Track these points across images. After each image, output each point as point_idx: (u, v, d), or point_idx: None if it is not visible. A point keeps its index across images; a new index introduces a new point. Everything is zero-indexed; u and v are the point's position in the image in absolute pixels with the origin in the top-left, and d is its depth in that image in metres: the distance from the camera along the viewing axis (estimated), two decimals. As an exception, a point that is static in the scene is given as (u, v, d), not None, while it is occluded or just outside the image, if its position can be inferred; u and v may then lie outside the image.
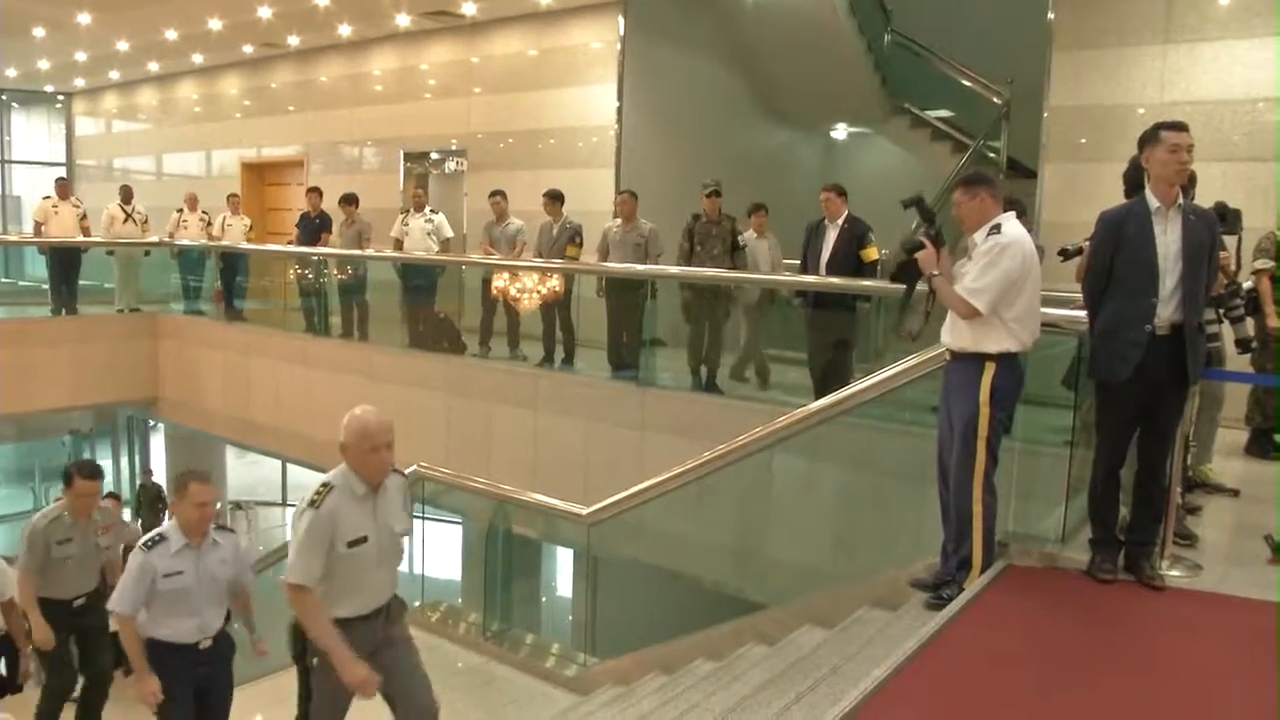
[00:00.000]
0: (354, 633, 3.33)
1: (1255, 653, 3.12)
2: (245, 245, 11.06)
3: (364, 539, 3.31)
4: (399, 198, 12.24)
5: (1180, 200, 3.59)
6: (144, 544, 3.97)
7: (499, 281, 8.45)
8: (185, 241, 11.23)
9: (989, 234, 3.54)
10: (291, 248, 10.61)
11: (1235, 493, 4.94)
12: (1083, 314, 3.76)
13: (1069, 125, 7.55)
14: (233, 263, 10.94)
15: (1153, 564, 3.68)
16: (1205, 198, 4.30)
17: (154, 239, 11.30)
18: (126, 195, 11.22)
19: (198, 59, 14.90)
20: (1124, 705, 2.78)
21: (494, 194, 8.87)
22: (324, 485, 3.31)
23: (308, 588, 3.23)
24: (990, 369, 3.53)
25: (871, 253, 6.47)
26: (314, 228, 10.15)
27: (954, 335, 3.61)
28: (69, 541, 4.85)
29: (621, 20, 10.21)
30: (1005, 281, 3.47)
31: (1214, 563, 3.88)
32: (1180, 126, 3.53)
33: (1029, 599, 3.57)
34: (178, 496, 4.03)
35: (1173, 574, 3.72)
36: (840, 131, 12.82)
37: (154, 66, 15.75)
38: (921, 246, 3.67)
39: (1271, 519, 4.14)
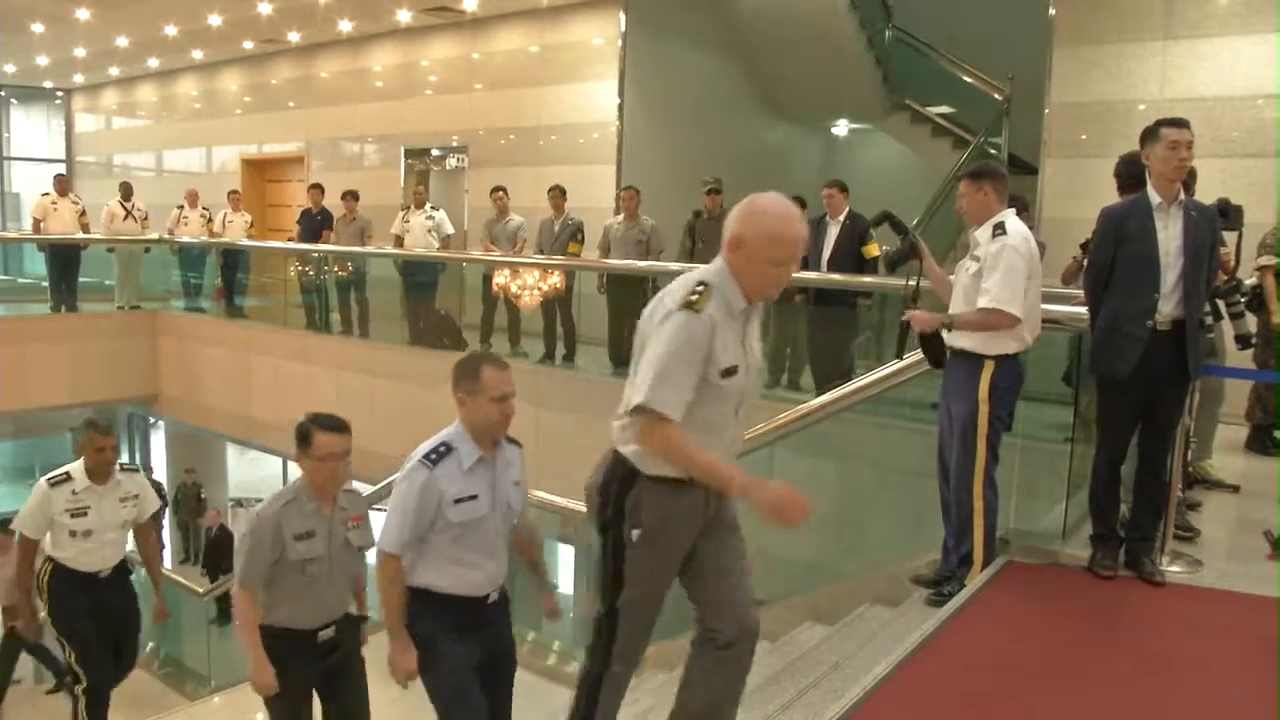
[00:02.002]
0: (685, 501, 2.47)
1: (1256, 648, 3.13)
2: (246, 242, 11.05)
3: (734, 368, 2.41)
4: (400, 194, 12.24)
5: (1181, 196, 3.59)
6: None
7: (500, 278, 8.44)
8: (186, 238, 11.22)
9: (994, 234, 3.53)
10: (292, 244, 10.61)
11: (1235, 488, 4.95)
12: (1084, 310, 3.76)
13: (1070, 121, 7.55)
14: (233, 259, 10.94)
15: (1153, 560, 3.68)
16: (1206, 194, 4.30)
17: (154, 236, 11.29)
18: (126, 192, 11.21)
19: (198, 55, 14.88)
20: (1125, 701, 2.78)
21: (495, 190, 8.87)
22: (703, 285, 2.41)
23: (669, 417, 2.30)
24: (989, 367, 3.53)
25: (873, 249, 6.46)
26: (315, 224, 10.15)
27: (956, 335, 3.59)
28: (311, 536, 3.34)
29: (623, 16, 10.19)
30: (1022, 282, 3.47)
31: (1214, 558, 3.88)
32: (1180, 123, 3.53)
33: (1030, 595, 3.57)
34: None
35: (1173, 570, 3.73)
36: (841, 127, 12.81)
37: (154, 63, 15.74)
38: (905, 258, 3.67)
39: (1272, 515, 4.15)
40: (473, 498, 2.89)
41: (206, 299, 11.29)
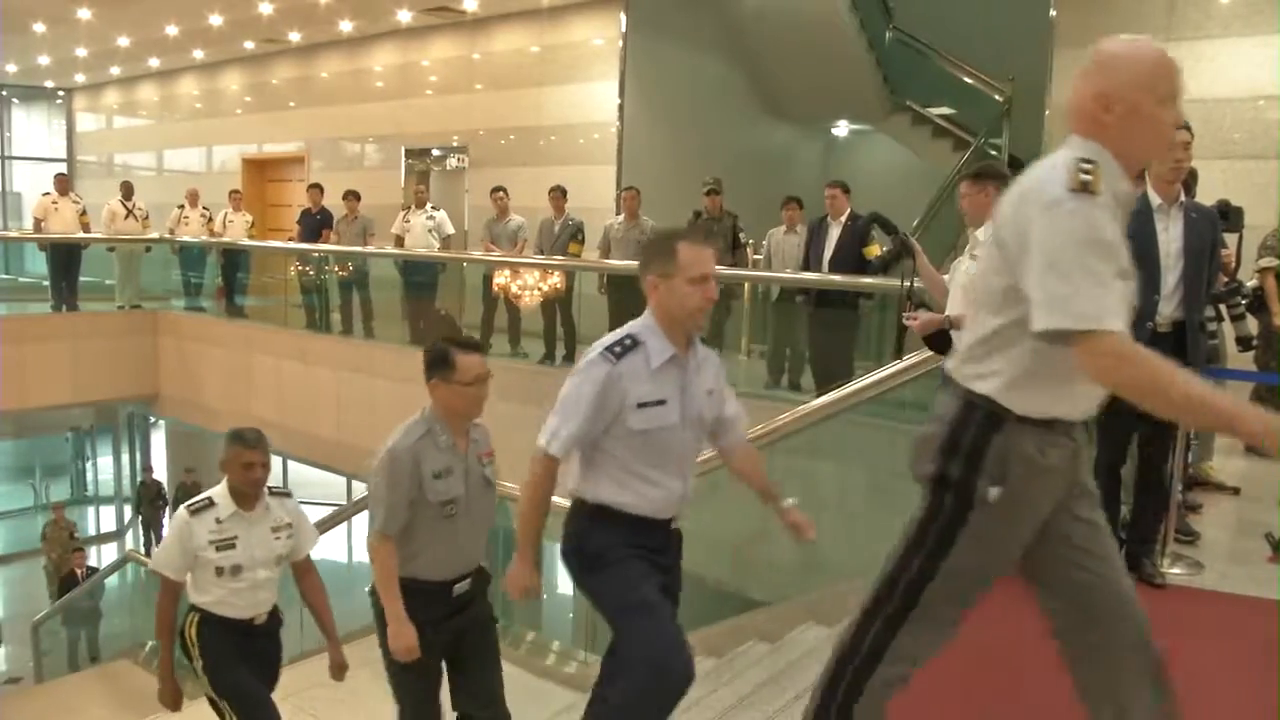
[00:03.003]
0: None
1: (1256, 651, 3.12)
2: (246, 242, 11.06)
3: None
4: (400, 194, 12.24)
5: (1182, 198, 3.59)
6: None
7: (500, 278, 8.44)
8: (186, 238, 11.23)
9: None
10: (293, 244, 10.61)
11: (1236, 491, 4.95)
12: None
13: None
14: (234, 259, 10.94)
15: (1154, 562, 3.68)
16: (1207, 195, 4.30)
17: (155, 235, 11.30)
18: (127, 191, 11.22)
19: (199, 55, 14.89)
20: (1124, 703, 2.77)
21: (495, 190, 8.87)
22: (1090, 163, 1.81)
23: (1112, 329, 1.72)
24: None
25: (874, 250, 6.45)
26: (315, 224, 10.15)
27: (957, 337, 3.58)
28: (449, 474, 2.97)
29: (623, 17, 10.20)
30: None
31: (1215, 561, 3.88)
32: (1177, 124, 3.52)
33: (1028, 598, 3.56)
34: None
35: (1173, 572, 3.73)
36: (841, 128, 12.81)
37: (155, 62, 15.74)
38: (897, 258, 3.66)
39: (1272, 517, 4.15)
40: (660, 403, 2.49)
41: (207, 298, 11.29)
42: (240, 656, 3.53)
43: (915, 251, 3.72)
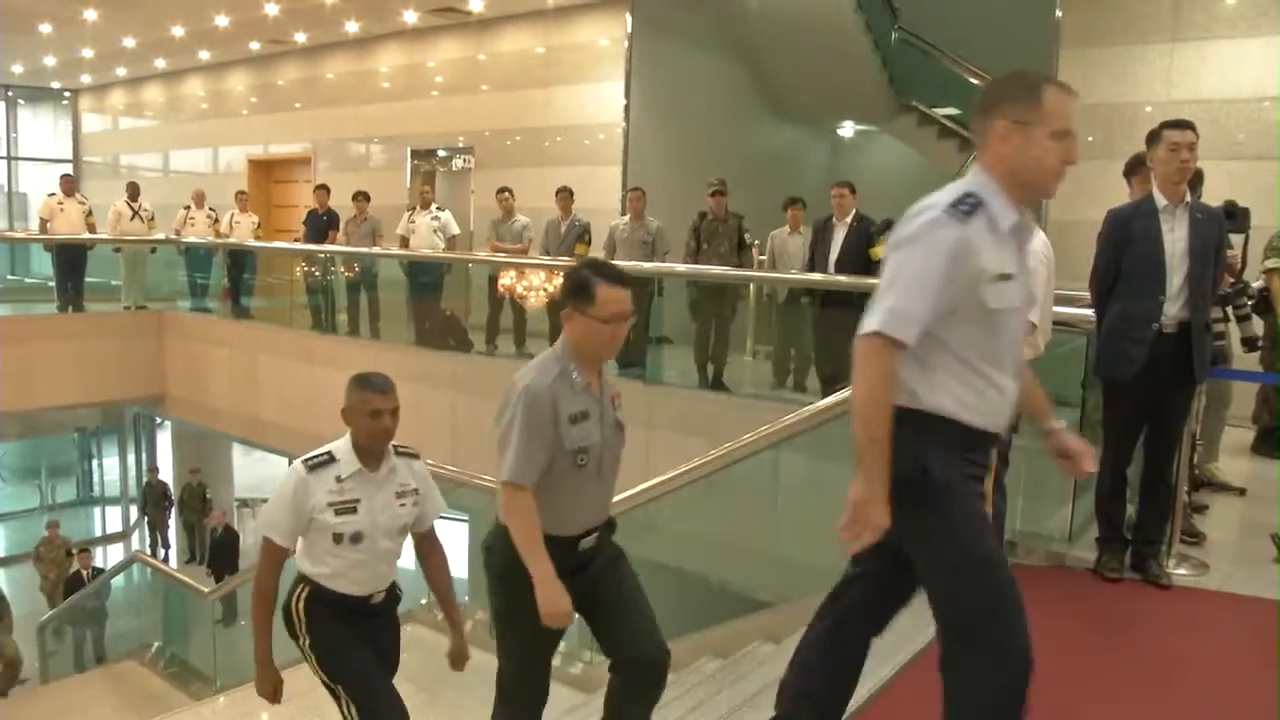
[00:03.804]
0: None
1: (1261, 651, 3.12)
2: (252, 242, 11.08)
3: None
4: (405, 195, 12.26)
5: (1187, 198, 3.59)
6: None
7: (506, 279, 8.46)
8: (192, 239, 11.25)
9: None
10: (299, 245, 10.63)
11: (1242, 491, 4.94)
12: (1091, 312, 3.76)
13: (1076, 123, 7.53)
14: (240, 260, 10.96)
15: (1159, 562, 3.68)
16: (1213, 196, 4.30)
17: (160, 236, 11.32)
18: (133, 192, 11.24)
19: (204, 56, 14.93)
20: (1130, 704, 2.78)
21: (501, 191, 8.88)
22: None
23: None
24: None
25: (879, 250, 6.45)
26: (321, 225, 10.17)
27: None
28: (585, 419, 2.63)
29: (629, 18, 10.20)
30: (1042, 288, 3.45)
31: (1220, 561, 3.87)
32: (1183, 125, 3.53)
33: (1035, 598, 3.53)
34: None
35: (1179, 572, 3.73)
36: (847, 129, 12.80)
37: (161, 63, 15.79)
38: None
39: (1277, 518, 4.14)
40: (1008, 278, 2.03)
41: (213, 299, 11.31)
42: (354, 639, 3.05)
43: None
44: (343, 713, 3.04)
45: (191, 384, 10.91)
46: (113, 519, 15.88)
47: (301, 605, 3.04)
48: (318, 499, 2.94)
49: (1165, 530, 3.74)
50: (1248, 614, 3.43)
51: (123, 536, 15.25)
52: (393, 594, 3.17)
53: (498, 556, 2.60)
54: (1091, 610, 3.45)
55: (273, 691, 3.13)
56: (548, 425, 2.52)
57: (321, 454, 3.01)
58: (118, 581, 10.33)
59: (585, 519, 2.67)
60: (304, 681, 5.47)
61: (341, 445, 3.04)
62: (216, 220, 11.43)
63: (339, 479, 2.98)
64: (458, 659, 3.32)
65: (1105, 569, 3.67)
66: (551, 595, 2.46)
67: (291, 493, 2.95)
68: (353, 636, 3.04)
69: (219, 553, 11.26)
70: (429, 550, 3.26)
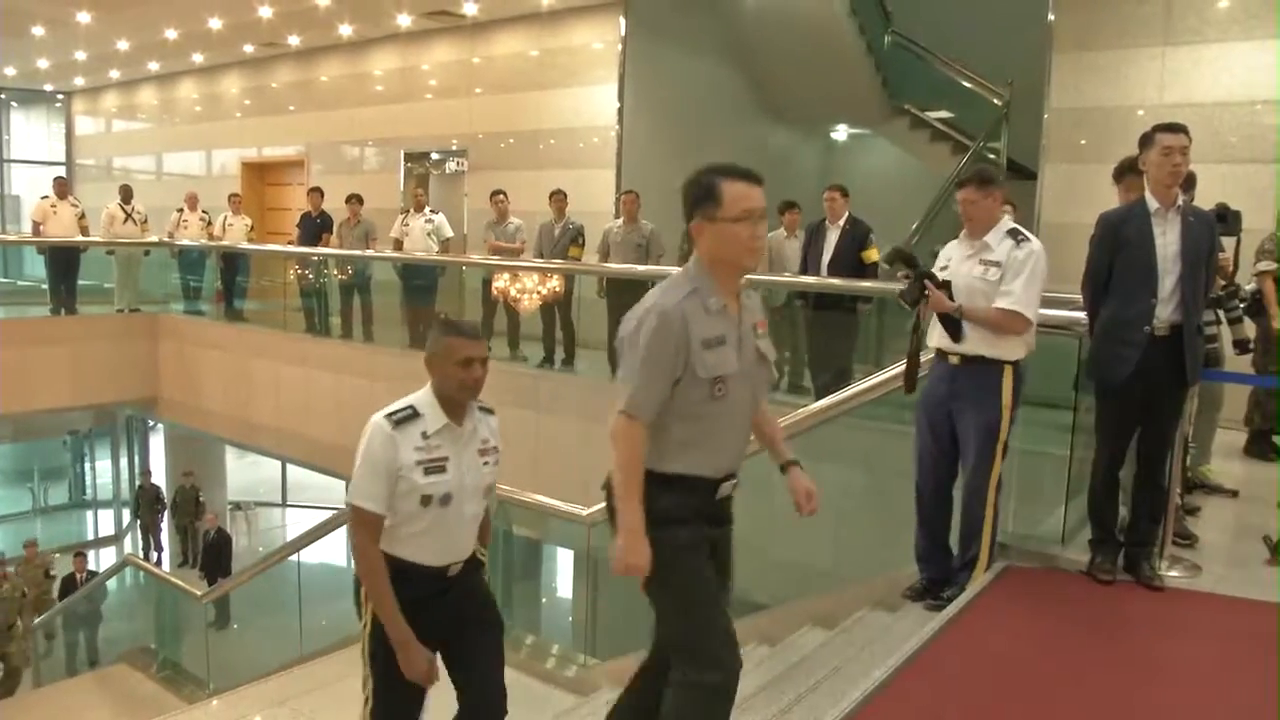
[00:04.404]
0: None
1: (1254, 653, 3.13)
2: (246, 245, 11.07)
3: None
4: (399, 198, 12.25)
5: (1179, 202, 3.60)
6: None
7: (499, 282, 8.45)
8: (185, 241, 11.24)
9: (1019, 242, 3.53)
10: (292, 248, 10.62)
11: (1234, 494, 4.95)
12: (1083, 315, 3.77)
13: (1069, 127, 7.56)
14: (233, 263, 10.95)
15: (1152, 565, 3.69)
16: (1205, 199, 4.31)
17: (154, 239, 11.30)
18: (126, 195, 11.23)
19: (198, 58, 14.91)
20: (1123, 706, 2.78)
21: (496, 193, 8.88)
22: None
23: None
24: (1009, 374, 3.53)
25: (873, 254, 6.47)
26: (315, 228, 10.17)
27: (970, 342, 3.55)
28: (721, 344, 2.35)
29: (623, 21, 10.22)
30: (1040, 289, 3.49)
31: (1213, 563, 3.88)
32: (1175, 129, 3.54)
33: (1029, 600, 3.57)
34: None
35: (1172, 575, 3.73)
36: (840, 132, 12.83)
37: (154, 66, 15.76)
38: (922, 296, 3.59)
39: (1270, 520, 4.15)
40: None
41: (206, 302, 11.29)
42: (424, 621, 2.71)
43: (939, 283, 3.62)
44: (364, 699, 2.83)
45: (184, 387, 10.89)
46: (105, 522, 15.84)
47: None
48: (405, 457, 2.66)
49: (1158, 532, 3.75)
50: (1240, 616, 3.44)
51: (115, 540, 15.22)
52: (474, 561, 2.88)
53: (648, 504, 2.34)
54: (1084, 612, 3.46)
55: (427, 670, 2.69)
56: (677, 350, 2.27)
57: (404, 408, 2.72)
58: (110, 585, 10.30)
59: (724, 460, 2.42)
60: (295, 685, 5.47)
61: (423, 398, 2.74)
62: (210, 223, 11.42)
63: (425, 435, 2.70)
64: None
65: (1098, 571, 3.68)
66: (633, 546, 2.26)
67: (380, 452, 2.65)
68: (415, 624, 2.70)
69: (212, 556, 11.23)
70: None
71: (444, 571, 2.77)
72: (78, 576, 10.30)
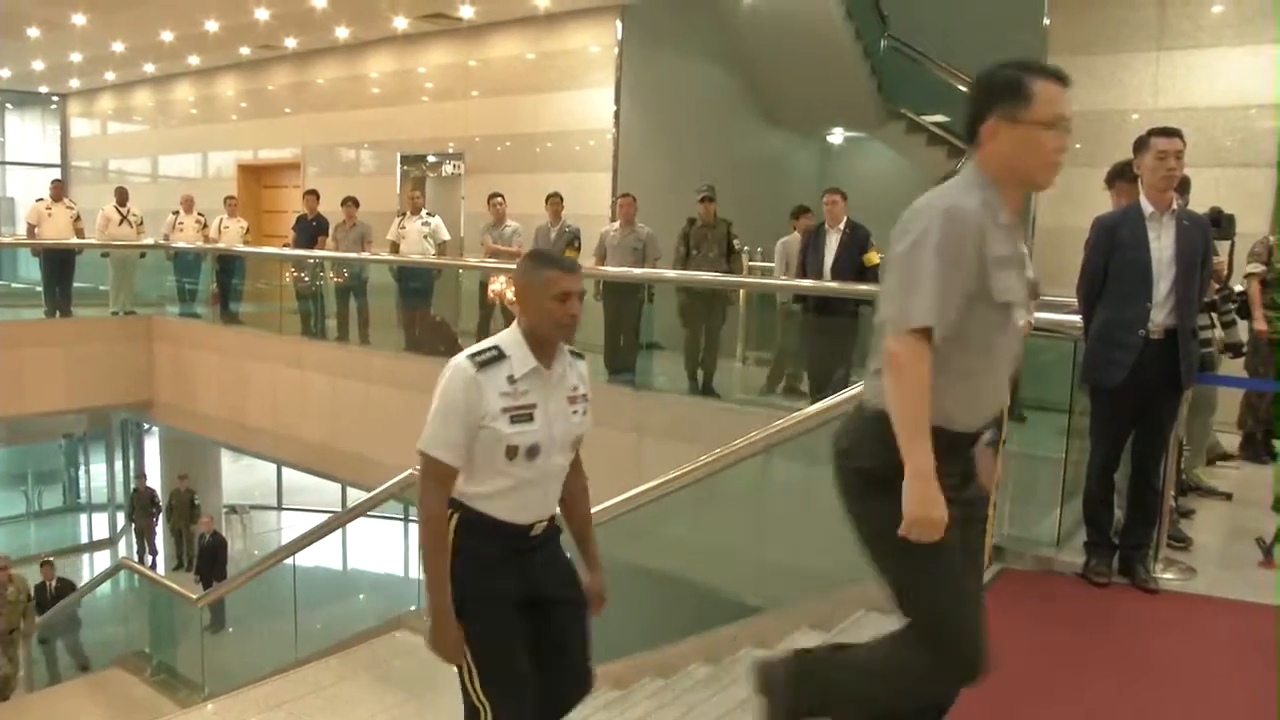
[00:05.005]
0: None
1: (1249, 655, 3.14)
2: (241, 248, 11.05)
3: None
4: (396, 200, 12.25)
5: (1174, 205, 3.62)
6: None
7: (496, 285, 8.46)
8: (181, 244, 11.22)
9: None
10: (288, 250, 10.61)
11: (1228, 496, 4.97)
12: (1078, 318, 3.79)
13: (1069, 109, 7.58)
14: (229, 265, 10.93)
15: (1147, 567, 3.70)
16: (1200, 203, 4.33)
17: (149, 241, 11.29)
18: (122, 197, 11.20)
19: (194, 61, 14.90)
20: (1118, 707, 2.79)
21: (494, 196, 8.89)
22: None
23: None
24: None
25: (873, 257, 6.50)
26: (311, 230, 10.16)
27: None
28: (1011, 265, 2.03)
29: (619, 24, 10.24)
30: None
31: (1207, 565, 3.90)
32: (1170, 133, 3.56)
33: (1024, 602, 3.58)
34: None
35: (1166, 577, 3.75)
36: (836, 136, 12.85)
37: (150, 68, 15.75)
38: None
39: (1263, 522, 4.16)
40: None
41: (202, 305, 11.28)
42: (506, 594, 2.46)
43: None
44: (462, 679, 2.48)
45: (180, 390, 10.87)
46: (100, 526, 15.80)
47: (452, 537, 2.47)
48: (490, 403, 2.38)
49: (1152, 535, 3.76)
50: (1234, 618, 3.45)
51: (109, 543, 15.18)
52: (554, 524, 2.64)
53: (868, 453, 2.05)
54: (1079, 614, 3.47)
55: (455, 648, 2.43)
56: (971, 260, 1.93)
57: (488, 348, 2.44)
58: (104, 589, 10.27)
59: (988, 408, 2.09)
60: (291, 689, 5.46)
61: (509, 338, 2.47)
62: (205, 225, 11.41)
63: (512, 379, 2.42)
64: (594, 599, 2.71)
65: (1093, 573, 3.69)
66: (927, 496, 1.88)
67: (461, 397, 2.37)
68: (505, 592, 2.46)
69: (207, 559, 11.21)
70: (574, 471, 2.64)
71: (527, 531, 2.51)
72: (48, 585, 10.23)
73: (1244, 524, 4.41)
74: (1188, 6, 7.16)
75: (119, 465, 15.31)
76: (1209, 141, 6.90)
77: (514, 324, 2.49)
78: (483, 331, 8.54)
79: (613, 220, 8.34)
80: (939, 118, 10.80)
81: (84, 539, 15.61)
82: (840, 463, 2.14)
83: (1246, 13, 6.91)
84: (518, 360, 2.43)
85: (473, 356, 2.41)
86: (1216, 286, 4.60)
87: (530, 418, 2.43)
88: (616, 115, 10.30)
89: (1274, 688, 2.87)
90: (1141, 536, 3.72)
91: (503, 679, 2.44)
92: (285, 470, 14.83)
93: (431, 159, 12.81)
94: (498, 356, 2.41)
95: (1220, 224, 4.04)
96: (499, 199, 8.83)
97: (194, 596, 7.84)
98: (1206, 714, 2.79)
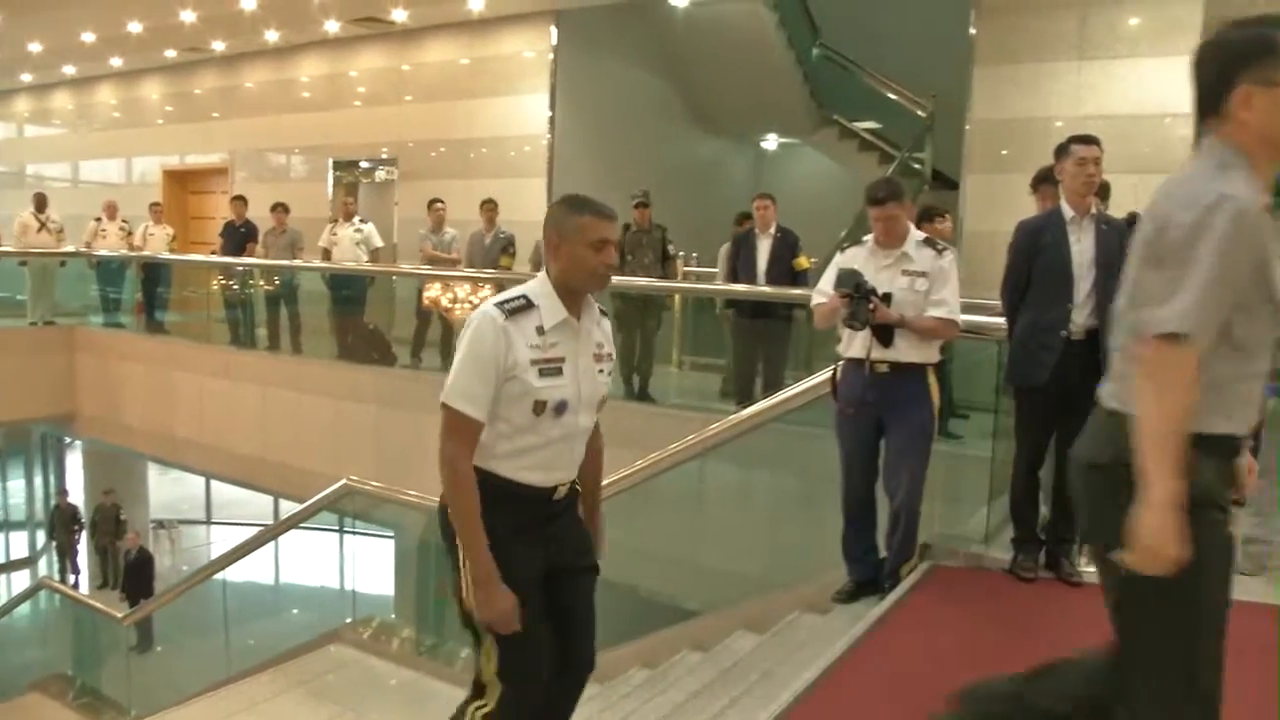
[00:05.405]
0: None
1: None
2: (167, 255, 10.78)
3: None
4: (327, 207, 12.05)
5: (1094, 210, 3.72)
6: None
7: (431, 291, 8.38)
8: (104, 252, 10.90)
9: (939, 251, 3.62)
10: (216, 258, 10.38)
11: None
12: (1003, 320, 3.87)
13: (990, 137, 7.77)
14: (154, 273, 10.65)
15: (1072, 561, 3.79)
16: (1118, 208, 4.47)
17: (70, 249, 10.94)
18: (40, 203, 10.85)
19: (116, 63, 14.49)
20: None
21: (434, 202, 8.79)
22: None
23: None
24: (933, 374, 3.63)
25: (804, 261, 6.59)
26: (239, 237, 9.94)
27: (899, 350, 3.60)
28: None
29: (554, 30, 10.22)
30: None
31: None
32: (1089, 140, 3.66)
33: (953, 599, 3.65)
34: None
35: (1090, 570, 3.84)
36: (770, 142, 13.00)
37: (70, 70, 15.29)
38: (871, 320, 3.58)
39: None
40: None
41: (126, 314, 10.97)
42: (528, 564, 2.33)
43: (877, 305, 3.63)
44: (477, 653, 2.37)
45: (104, 402, 10.55)
46: (18, 544, 15.23)
47: None
48: (519, 354, 2.25)
49: (1076, 530, 3.85)
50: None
51: (29, 562, 14.64)
52: (574, 489, 2.51)
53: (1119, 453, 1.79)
54: (1006, 610, 3.55)
55: (509, 615, 2.26)
56: (1251, 258, 1.72)
57: (515, 296, 2.30)
58: (22, 610, 9.91)
59: (1254, 415, 1.86)
60: (223, 706, 5.33)
61: (538, 288, 2.33)
62: (130, 232, 11.10)
63: (540, 330, 2.29)
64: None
65: (1020, 569, 3.77)
66: (1164, 526, 1.68)
67: (489, 346, 2.24)
68: (528, 572, 2.32)
69: (134, 576, 10.89)
70: (593, 432, 2.54)
71: (550, 494, 2.39)
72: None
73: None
74: (1106, 18, 7.39)
75: (39, 481, 14.79)
76: (1128, 148, 7.11)
77: (540, 274, 2.36)
78: (419, 339, 8.44)
79: (549, 226, 8.31)
80: (870, 124, 10.99)
81: (0, 559, 15.03)
82: (1102, 484, 1.89)
83: (1160, 26, 7.16)
84: (547, 311, 2.30)
85: (501, 304, 2.28)
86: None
87: (559, 371, 2.30)
88: (551, 121, 10.28)
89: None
90: (1066, 532, 3.81)
91: (520, 674, 2.32)
92: (215, 483, 14.49)
93: (364, 164, 12.63)
94: (526, 305, 2.29)
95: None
96: (440, 204, 8.75)
97: (120, 615, 7.61)
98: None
